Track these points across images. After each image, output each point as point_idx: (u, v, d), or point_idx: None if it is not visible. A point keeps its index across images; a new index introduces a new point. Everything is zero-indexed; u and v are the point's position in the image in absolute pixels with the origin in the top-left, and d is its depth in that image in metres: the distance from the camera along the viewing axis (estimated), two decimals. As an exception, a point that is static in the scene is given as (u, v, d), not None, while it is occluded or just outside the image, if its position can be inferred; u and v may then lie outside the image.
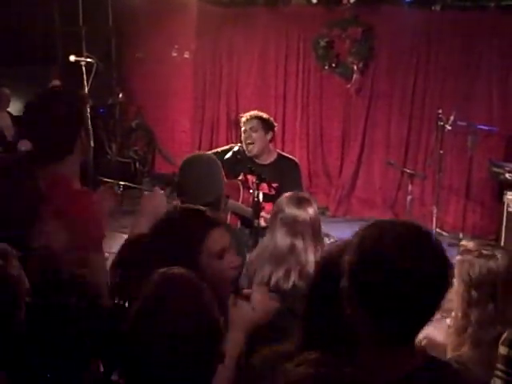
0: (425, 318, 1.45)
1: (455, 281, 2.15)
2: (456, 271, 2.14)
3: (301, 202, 2.70)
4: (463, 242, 2.22)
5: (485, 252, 2.08)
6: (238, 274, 2.30)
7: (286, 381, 1.32)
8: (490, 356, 1.97)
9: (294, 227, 2.62)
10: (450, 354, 2.09)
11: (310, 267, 2.47)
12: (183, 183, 2.92)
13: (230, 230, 2.99)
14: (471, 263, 2.07)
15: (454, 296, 2.14)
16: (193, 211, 2.02)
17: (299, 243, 2.59)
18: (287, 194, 2.80)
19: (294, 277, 2.54)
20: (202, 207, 2.04)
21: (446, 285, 1.45)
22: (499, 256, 2.06)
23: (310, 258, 2.57)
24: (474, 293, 2.04)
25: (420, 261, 1.37)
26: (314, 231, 2.65)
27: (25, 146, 6.61)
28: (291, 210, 2.66)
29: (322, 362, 1.37)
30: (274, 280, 2.56)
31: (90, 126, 2.50)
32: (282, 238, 2.62)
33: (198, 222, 1.95)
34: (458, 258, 2.15)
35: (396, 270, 1.36)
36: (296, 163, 4.50)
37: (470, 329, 2.04)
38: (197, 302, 1.51)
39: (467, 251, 2.12)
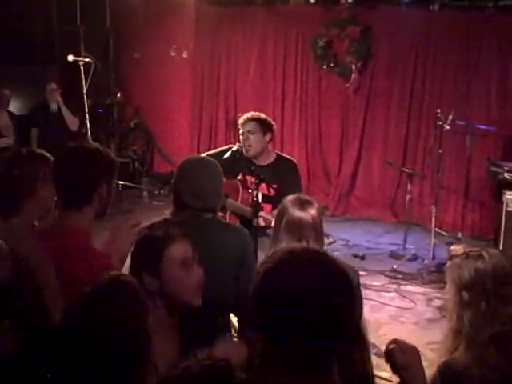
0: (331, 342, 1.38)
1: (448, 285, 2.16)
2: (447, 276, 2.15)
3: (303, 204, 2.71)
4: (453, 247, 2.22)
5: (472, 253, 2.09)
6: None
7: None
8: (483, 355, 1.97)
9: (298, 232, 2.63)
10: (444, 357, 2.09)
11: None
12: (187, 186, 2.81)
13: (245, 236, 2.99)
14: (459, 266, 2.09)
15: (447, 301, 2.15)
16: (158, 222, 2.25)
17: None
18: (290, 198, 2.79)
19: None
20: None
21: (348, 307, 1.40)
22: (486, 256, 2.07)
23: None
24: (464, 294, 2.05)
25: (316, 284, 1.35)
26: (316, 233, 2.67)
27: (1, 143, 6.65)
28: (295, 213, 2.67)
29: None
30: None
31: (114, 185, 2.57)
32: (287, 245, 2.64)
33: (162, 233, 2.15)
34: (449, 263, 2.17)
35: (290, 294, 1.35)
36: (294, 164, 4.48)
37: (463, 330, 2.05)
38: (132, 314, 1.59)
39: (455, 255, 2.13)
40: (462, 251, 2.12)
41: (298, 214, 2.67)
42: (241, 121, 4.42)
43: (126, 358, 1.53)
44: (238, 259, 2.71)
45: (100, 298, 1.59)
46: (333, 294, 1.36)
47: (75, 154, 2.46)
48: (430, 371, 1.88)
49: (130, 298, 1.62)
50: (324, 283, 1.36)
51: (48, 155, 2.64)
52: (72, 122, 6.98)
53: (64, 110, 6.98)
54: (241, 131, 4.38)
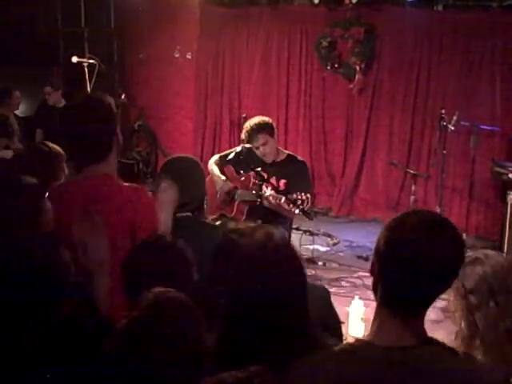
0: (438, 293, 1.56)
1: (450, 294, 2.14)
2: None
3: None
4: None
5: (469, 258, 2.08)
6: None
7: None
8: (504, 354, 1.96)
9: None
10: None
11: None
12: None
13: None
14: (460, 272, 2.07)
15: (453, 307, 2.13)
16: None
17: None
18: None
19: None
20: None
21: (459, 263, 1.57)
22: (483, 258, 2.08)
23: None
24: (472, 298, 2.04)
25: (438, 242, 1.49)
26: None
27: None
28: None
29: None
30: None
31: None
32: None
33: None
34: None
35: (416, 249, 1.48)
36: (304, 163, 4.62)
37: (478, 334, 2.03)
38: (188, 331, 1.52)
39: None
40: None
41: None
42: (247, 136, 4.44)
43: (184, 378, 1.47)
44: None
45: (149, 321, 1.49)
46: (453, 253, 1.52)
47: (87, 108, 2.43)
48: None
49: (180, 314, 1.53)
50: (448, 244, 1.51)
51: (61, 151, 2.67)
52: None
53: None
54: (254, 146, 4.43)
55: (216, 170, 4.54)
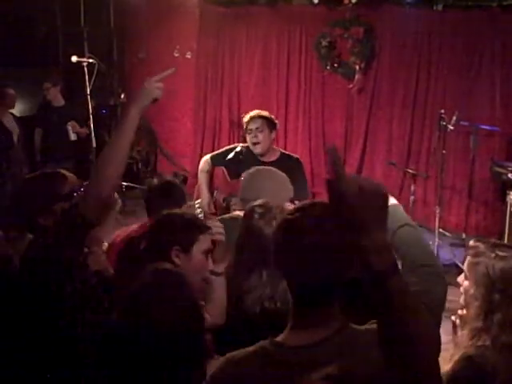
0: (335, 281, 1.46)
1: (468, 283, 2.11)
2: (469, 273, 2.09)
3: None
4: (472, 243, 2.14)
5: (501, 253, 2.03)
6: None
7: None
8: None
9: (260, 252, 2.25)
10: (455, 354, 2.05)
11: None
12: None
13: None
14: (490, 265, 2.02)
15: (469, 298, 2.08)
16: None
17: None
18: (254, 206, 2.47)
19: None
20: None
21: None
22: None
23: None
24: (496, 296, 2.00)
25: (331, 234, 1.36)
26: None
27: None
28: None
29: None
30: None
31: None
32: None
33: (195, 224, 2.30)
34: (471, 259, 2.10)
35: (307, 240, 1.42)
36: (298, 160, 4.55)
37: (490, 332, 1.99)
38: (184, 292, 1.59)
39: (481, 253, 2.06)
40: (490, 249, 2.06)
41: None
42: (247, 118, 4.47)
43: (189, 352, 1.52)
44: None
45: (152, 295, 1.53)
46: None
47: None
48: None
49: (180, 282, 1.60)
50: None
51: (67, 174, 2.55)
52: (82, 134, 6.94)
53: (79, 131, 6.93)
54: (248, 129, 4.42)
55: (204, 183, 4.47)
